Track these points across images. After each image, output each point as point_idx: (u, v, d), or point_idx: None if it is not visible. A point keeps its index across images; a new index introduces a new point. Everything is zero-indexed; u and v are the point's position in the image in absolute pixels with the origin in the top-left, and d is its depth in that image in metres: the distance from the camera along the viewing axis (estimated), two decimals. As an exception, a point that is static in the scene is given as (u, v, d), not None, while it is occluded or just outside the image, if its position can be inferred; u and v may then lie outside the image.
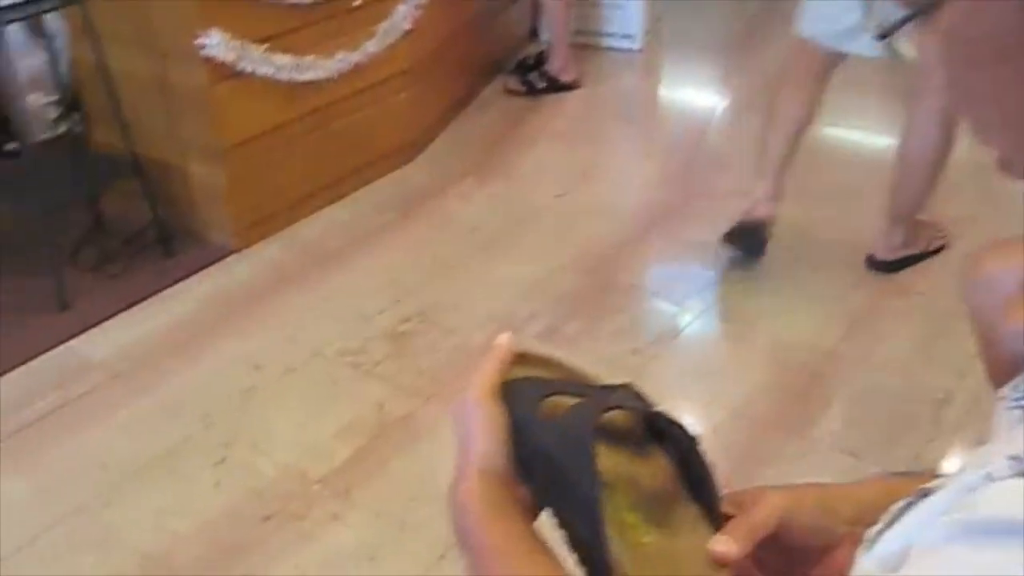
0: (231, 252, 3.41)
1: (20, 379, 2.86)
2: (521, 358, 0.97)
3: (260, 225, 3.48)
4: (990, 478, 0.50)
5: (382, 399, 2.72)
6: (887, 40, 0.63)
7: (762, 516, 0.86)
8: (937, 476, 0.83)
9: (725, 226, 3.24)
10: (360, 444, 2.57)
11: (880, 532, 0.65)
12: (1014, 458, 0.49)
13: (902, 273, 3.18)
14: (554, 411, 0.88)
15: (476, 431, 0.90)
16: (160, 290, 3.23)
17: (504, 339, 0.96)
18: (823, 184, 3.72)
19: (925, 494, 0.64)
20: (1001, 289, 1.85)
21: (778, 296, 3.11)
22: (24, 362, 2.91)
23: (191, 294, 3.22)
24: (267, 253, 3.42)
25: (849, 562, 0.89)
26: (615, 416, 0.89)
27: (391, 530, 2.33)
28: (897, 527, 0.63)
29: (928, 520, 0.56)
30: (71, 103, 3.62)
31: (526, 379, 0.94)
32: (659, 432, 0.90)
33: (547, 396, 0.90)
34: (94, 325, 3.06)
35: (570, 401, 0.89)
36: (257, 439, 2.62)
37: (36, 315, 3.11)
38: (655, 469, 0.89)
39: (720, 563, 0.84)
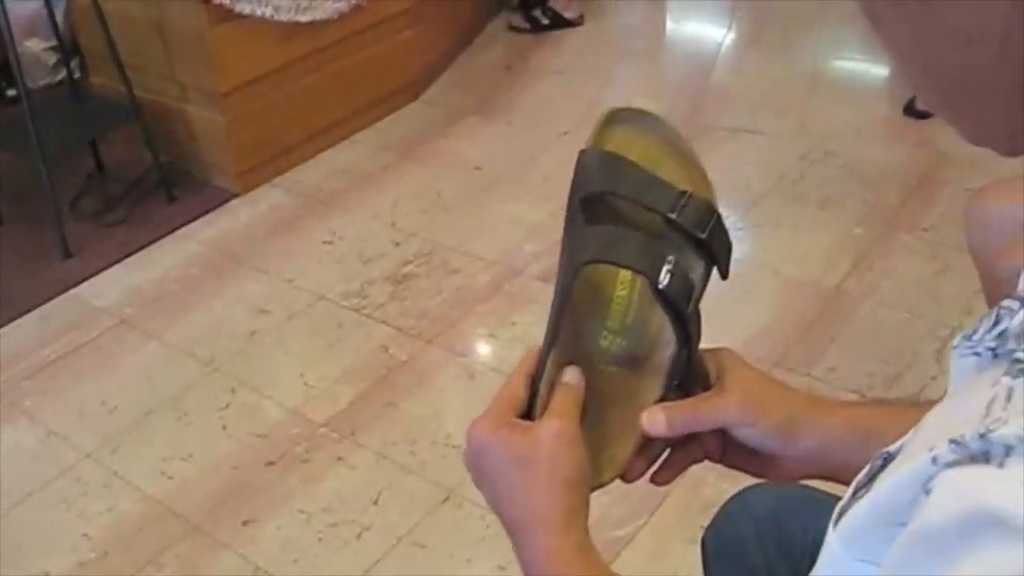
0: (233, 196, 3.40)
1: (27, 327, 2.87)
2: (619, 116, 0.93)
3: (261, 168, 3.46)
4: (936, 463, 0.49)
5: (386, 342, 2.72)
6: None
7: (711, 415, 0.86)
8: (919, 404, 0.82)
9: (731, 162, 3.22)
10: (364, 387, 2.58)
11: (843, 508, 0.65)
12: (957, 443, 0.48)
13: (908, 207, 3.15)
14: (603, 216, 0.88)
15: (547, 468, 0.81)
16: (163, 236, 3.22)
17: (532, 351, 0.90)
18: (827, 120, 3.69)
19: (886, 460, 0.63)
20: (1001, 227, 1.84)
21: (783, 234, 3.09)
22: (30, 310, 2.92)
23: (194, 239, 3.21)
24: (269, 197, 3.41)
25: (795, 477, 0.90)
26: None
27: (395, 473, 2.34)
28: (856, 512, 0.62)
29: (881, 518, 0.55)
30: (70, 48, 3.59)
31: (610, 159, 0.90)
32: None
33: (613, 194, 0.88)
34: (99, 272, 3.06)
35: (631, 209, 0.88)
36: (262, 383, 2.62)
37: (41, 263, 3.11)
38: (662, 321, 0.87)
39: (643, 434, 0.86)
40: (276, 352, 2.74)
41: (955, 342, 0.59)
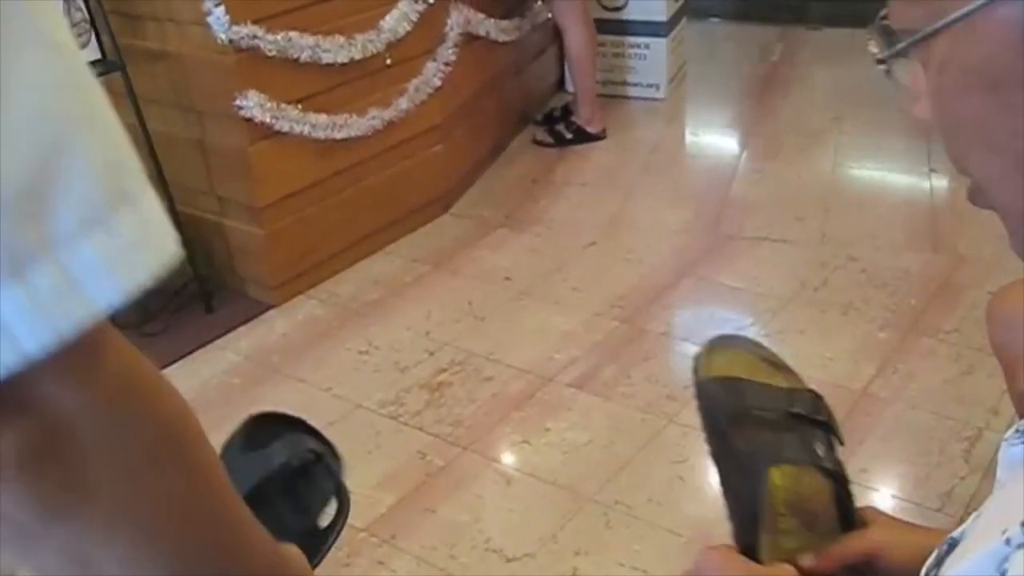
0: (270, 307, 3.49)
1: (69, 436, 2.93)
2: (714, 344, 1.15)
3: (298, 280, 3.56)
4: (1010, 544, 0.56)
5: (423, 449, 2.78)
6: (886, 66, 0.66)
7: (852, 547, 1.02)
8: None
9: (755, 271, 3.31)
10: (403, 493, 2.63)
11: None
12: None
13: (930, 311, 3.22)
14: (751, 429, 1.06)
15: None
16: (202, 346, 3.30)
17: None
18: (847, 227, 3.77)
19: (952, 545, 0.69)
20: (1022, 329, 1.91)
21: (808, 339, 3.15)
22: (73, 419, 2.98)
23: (232, 350, 3.30)
24: (305, 308, 3.50)
25: None
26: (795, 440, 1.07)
27: (436, 577, 2.39)
28: None
29: None
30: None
31: (726, 382, 1.10)
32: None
33: (744, 408, 1.07)
34: (139, 382, 3.14)
35: (762, 414, 1.07)
36: (302, 490, 2.67)
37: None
38: (819, 489, 1.06)
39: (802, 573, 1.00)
40: (315, 459, 2.79)
41: (1007, 435, 0.66)
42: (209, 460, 0.65)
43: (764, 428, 1.07)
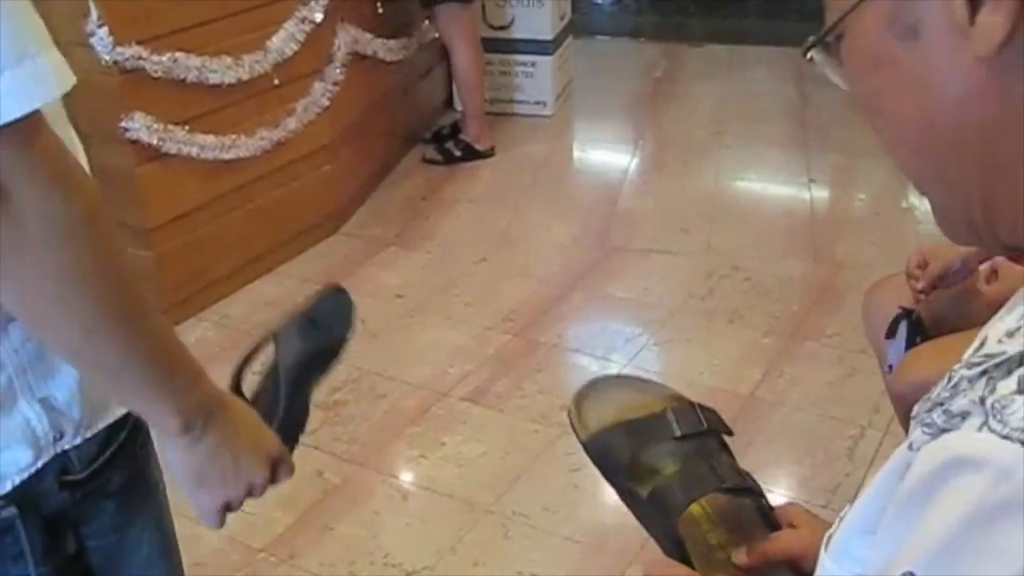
0: (160, 330, 3.44)
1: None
2: (579, 396, 1.18)
3: (188, 303, 3.52)
4: (912, 448, 0.61)
5: (320, 467, 2.78)
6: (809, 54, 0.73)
7: (775, 547, 1.07)
8: None
9: (643, 282, 3.39)
10: (300, 512, 2.63)
11: (831, 534, 0.76)
12: (927, 425, 0.60)
13: (812, 316, 3.32)
14: (649, 477, 1.09)
15: None
16: (92, 371, 3.25)
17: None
18: (731, 237, 3.87)
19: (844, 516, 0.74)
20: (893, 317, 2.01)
21: (696, 347, 3.23)
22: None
23: (123, 374, 3.25)
24: (196, 330, 3.47)
25: None
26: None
27: (335, 593, 2.39)
28: (841, 530, 0.72)
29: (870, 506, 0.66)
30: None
31: (601, 442, 1.13)
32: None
33: (636, 457, 1.10)
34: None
35: (652, 453, 1.10)
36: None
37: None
38: (738, 505, 1.11)
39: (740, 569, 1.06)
40: (211, 481, 2.77)
41: (913, 411, 0.71)
42: (114, 233, 0.92)
43: (660, 469, 1.10)
